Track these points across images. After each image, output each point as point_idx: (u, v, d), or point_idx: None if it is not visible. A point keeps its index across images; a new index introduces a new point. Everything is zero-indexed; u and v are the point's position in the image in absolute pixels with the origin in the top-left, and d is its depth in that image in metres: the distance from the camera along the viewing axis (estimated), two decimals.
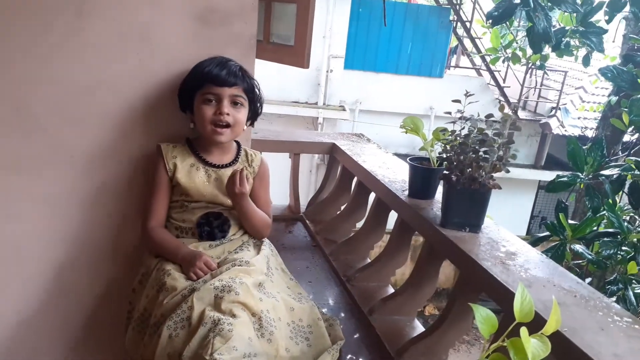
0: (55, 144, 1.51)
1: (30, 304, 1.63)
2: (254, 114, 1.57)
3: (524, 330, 0.95)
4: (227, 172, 1.52)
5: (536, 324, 1.03)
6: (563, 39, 3.30)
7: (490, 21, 2.80)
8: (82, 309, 1.70)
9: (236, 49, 1.60)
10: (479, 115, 1.67)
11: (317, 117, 8.06)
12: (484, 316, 1.03)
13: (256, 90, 1.54)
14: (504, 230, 1.70)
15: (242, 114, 1.50)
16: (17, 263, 1.58)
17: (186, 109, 1.52)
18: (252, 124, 1.61)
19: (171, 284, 1.36)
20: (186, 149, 1.54)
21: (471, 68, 9.48)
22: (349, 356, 1.66)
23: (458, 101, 1.68)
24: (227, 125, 1.47)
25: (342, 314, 1.91)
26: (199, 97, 1.46)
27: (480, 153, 1.60)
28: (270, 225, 1.61)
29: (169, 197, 1.54)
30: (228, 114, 1.45)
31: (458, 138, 1.66)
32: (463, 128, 1.67)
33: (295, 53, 2.36)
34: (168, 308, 1.32)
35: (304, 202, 2.88)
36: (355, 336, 1.78)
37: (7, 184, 1.50)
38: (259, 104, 1.57)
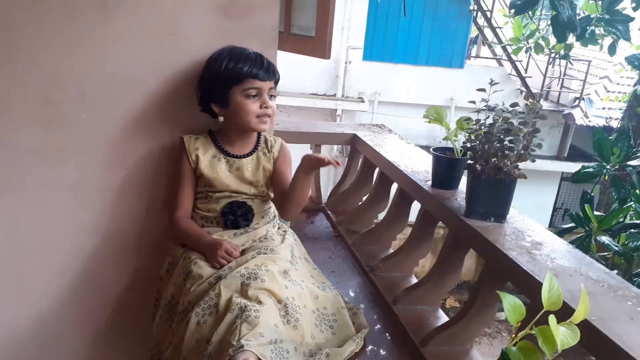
0: (78, 134, 1.54)
1: (57, 291, 1.67)
2: None
3: (552, 318, 0.95)
4: (247, 161, 1.55)
5: (564, 312, 1.03)
6: (588, 27, 3.23)
7: (513, 10, 2.76)
8: (108, 297, 1.74)
9: (258, 41, 1.60)
10: (503, 105, 1.66)
11: (336, 109, 8.05)
12: (511, 304, 1.03)
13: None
14: (529, 220, 1.69)
15: (274, 103, 1.54)
16: (44, 251, 1.62)
17: (212, 102, 1.51)
18: None
19: (197, 272, 1.39)
20: (208, 140, 1.56)
21: (492, 58, 9.33)
22: (374, 346, 1.67)
23: (483, 90, 1.67)
24: (269, 115, 1.51)
25: (365, 304, 1.92)
26: (240, 92, 1.46)
27: (506, 142, 1.58)
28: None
29: (194, 188, 1.56)
30: (270, 107, 1.50)
31: (483, 127, 1.64)
32: (487, 117, 1.65)
33: (316, 44, 2.36)
34: (195, 295, 1.34)
35: (324, 192, 2.89)
36: (378, 326, 1.79)
37: (32, 173, 1.54)
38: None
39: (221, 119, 1.55)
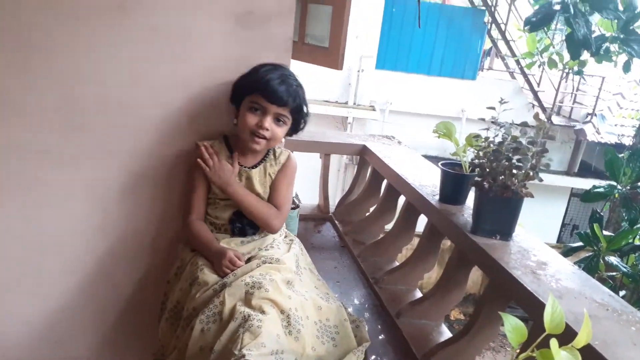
0: (95, 136, 1.57)
1: (71, 290, 1.70)
2: (294, 130, 1.59)
3: (554, 342, 0.95)
4: (255, 172, 1.57)
5: (566, 336, 1.02)
6: (603, 45, 3.22)
7: (528, 27, 2.76)
8: (120, 296, 1.76)
9: (272, 51, 1.62)
10: (512, 122, 1.66)
11: (347, 117, 8.07)
12: (513, 325, 1.03)
13: (303, 111, 1.55)
14: (535, 239, 1.69)
15: (282, 130, 1.52)
16: (59, 251, 1.65)
17: (234, 103, 1.55)
18: (288, 136, 1.62)
19: (203, 278, 1.40)
20: (223, 146, 1.58)
21: (505, 71, 9.31)
22: (374, 357, 1.67)
23: (492, 108, 1.67)
24: (264, 138, 1.50)
25: (369, 315, 1.92)
26: (247, 101, 1.49)
27: (514, 161, 1.59)
28: (278, 216, 1.58)
29: (207, 193, 1.58)
30: (268, 130, 1.48)
31: (491, 145, 1.65)
32: (497, 135, 1.66)
33: (330, 54, 2.38)
34: (200, 302, 1.36)
35: (332, 202, 2.90)
36: (380, 337, 1.79)
37: (48, 174, 1.57)
38: (302, 124, 1.58)
39: (235, 121, 1.57)
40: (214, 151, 1.54)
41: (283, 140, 1.64)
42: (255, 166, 1.58)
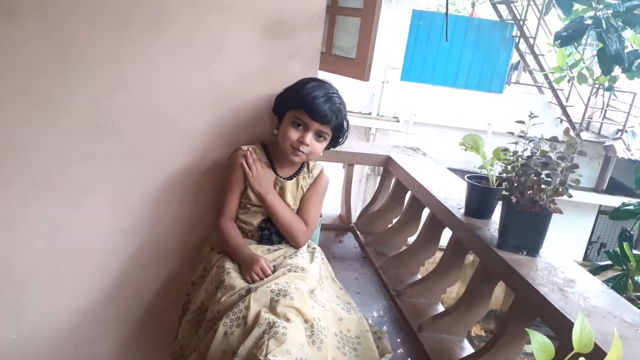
0: (125, 142, 1.61)
1: (94, 293, 1.73)
2: (333, 145, 1.62)
3: None
4: (290, 184, 1.59)
5: (595, 356, 1.00)
6: (635, 61, 3.16)
7: (559, 41, 2.73)
8: (142, 299, 1.79)
9: (300, 61, 1.64)
10: (542, 136, 1.64)
11: (370, 128, 8.07)
12: (540, 343, 1.01)
13: (344, 127, 1.57)
14: (563, 256, 1.65)
15: (322, 145, 1.55)
16: (83, 253, 1.69)
17: (277, 113, 1.58)
18: (328, 149, 1.64)
19: (229, 282, 1.41)
20: (262, 153, 1.61)
21: (533, 85, 9.19)
22: None
23: (522, 122, 1.66)
24: (304, 152, 1.52)
25: (389, 328, 1.91)
26: (291, 115, 1.52)
27: (542, 176, 1.56)
28: (305, 233, 1.61)
29: (241, 196, 1.60)
30: (308, 145, 1.51)
31: (520, 159, 1.63)
32: (525, 149, 1.64)
33: (356, 66, 2.39)
34: (225, 305, 1.37)
35: (354, 212, 2.90)
36: (401, 351, 1.78)
37: (77, 177, 1.61)
38: (342, 138, 1.61)
39: (275, 132, 1.59)
40: (256, 158, 1.57)
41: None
42: (290, 178, 1.60)
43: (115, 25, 1.50)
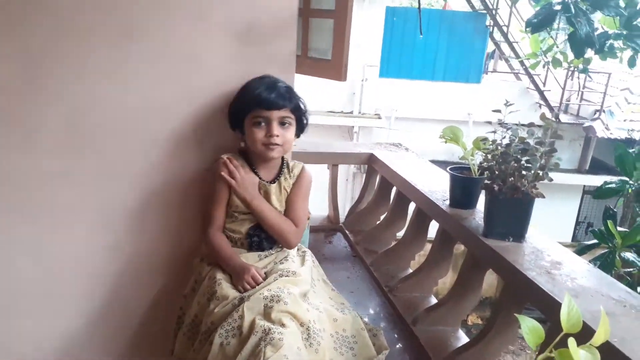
0: (104, 158, 1.59)
1: (85, 311, 1.71)
2: (300, 129, 1.62)
3: (572, 341, 0.95)
4: (273, 187, 1.58)
5: (584, 334, 1.02)
6: (606, 42, 3.22)
7: (530, 28, 2.76)
8: (132, 317, 1.77)
9: (276, 66, 1.65)
10: (519, 123, 1.67)
11: (353, 126, 8.10)
12: (530, 327, 1.03)
13: (302, 108, 1.58)
14: (549, 239, 1.68)
15: (290, 132, 1.55)
16: (71, 273, 1.67)
17: (236, 127, 1.58)
18: (297, 136, 1.64)
19: (222, 293, 1.41)
20: (243, 161, 1.60)
21: (510, 73, 9.31)
22: None
23: (498, 111, 1.68)
24: (277, 144, 1.52)
25: (385, 324, 1.92)
26: (249, 119, 1.52)
27: (522, 162, 1.59)
28: (296, 234, 1.61)
29: (227, 207, 1.60)
30: (278, 136, 1.51)
31: (499, 147, 1.65)
32: (504, 137, 1.66)
33: (333, 67, 2.40)
34: (218, 316, 1.37)
35: (340, 212, 2.91)
36: (398, 346, 1.79)
37: (59, 195, 1.59)
38: (305, 120, 1.61)
39: (242, 144, 1.59)
40: (238, 164, 1.56)
41: (294, 144, 1.65)
42: (273, 181, 1.60)
43: (85, 42, 1.49)
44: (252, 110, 1.50)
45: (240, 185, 1.54)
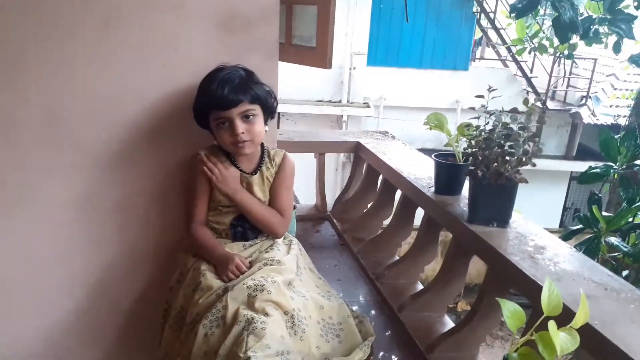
0: (86, 151, 1.57)
1: (71, 304, 1.70)
2: (269, 115, 1.55)
3: (552, 324, 0.96)
4: (254, 178, 1.57)
5: (565, 317, 1.03)
6: (591, 27, 3.23)
7: (514, 14, 2.76)
8: (120, 308, 1.77)
9: (259, 54, 1.63)
10: (503, 109, 1.67)
11: (342, 115, 8.08)
12: (511, 310, 1.04)
13: (263, 95, 1.49)
14: (533, 224, 1.69)
15: (257, 123, 1.49)
16: (56, 267, 1.65)
17: (205, 128, 1.53)
18: (270, 119, 1.58)
19: (206, 283, 1.41)
20: (220, 153, 1.56)
21: (497, 59, 9.32)
22: (381, 353, 1.68)
23: (481, 96, 1.68)
24: (246, 140, 1.47)
25: (373, 312, 1.93)
26: (212, 120, 1.47)
27: (506, 148, 1.59)
28: (282, 224, 1.59)
29: (209, 200, 1.58)
30: (244, 132, 1.45)
31: (482, 133, 1.65)
32: (487, 123, 1.66)
33: (317, 54, 2.38)
34: (203, 307, 1.37)
35: (330, 200, 2.91)
36: (387, 333, 1.80)
37: (41, 190, 1.57)
38: (272, 103, 1.54)
39: (215, 142, 1.56)
40: (217, 160, 1.53)
41: (276, 140, 1.63)
42: (254, 172, 1.58)
43: (64, 33, 1.46)
44: (211, 112, 1.46)
45: (221, 181, 1.51)
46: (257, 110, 1.48)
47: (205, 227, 1.58)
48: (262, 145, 1.61)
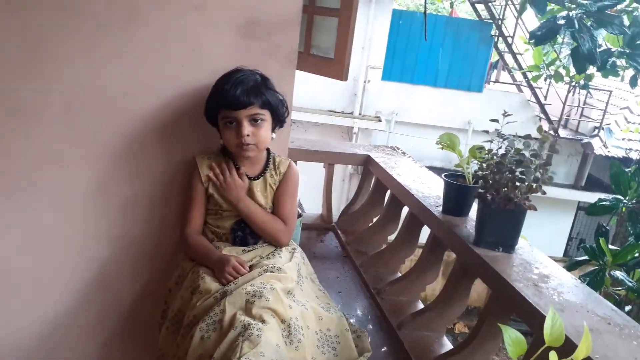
0: (97, 143, 1.58)
1: (72, 296, 1.70)
2: (278, 123, 1.56)
3: (553, 355, 0.95)
4: (256, 183, 1.56)
5: (566, 349, 1.02)
6: (609, 59, 3.23)
7: (533, 40, 2.77)
8: (121, 303, 1.76)
9: (277, 61, 1.64)
10: (516, 134, 1.67)
11: (353, 127, 8.10)
12: (512, 338, 1.02)
13: (274, 101, 1.49)
14: (538, 252, 1.68)
15: (265, 128, 1.49)
16: (60, 257, 1.66)
17: (214, 126, 1.54)
18: (279, 127, 1.58)
19: (204, 286, 1.40)
20: (224, 159, 1.57)
21: (511, 84, 9.32)
22: None
23: (496, 120, 1.68)
24: (251, 143, 1.47)
25: (371, 327, 1.92)
26: (220, 119, 1.49)
27: (517, 173, 1.59)
28: (285, 232, 1.58)
29: (205, 206, 1.58)
30: (249, 135, 1.46)
31: (495, 157, 1.65)
32: (500, 147, 1.66)
33: (335, 66, 2.39)
34: (201, 310, 1.36)
35: (335, 211, 2.91)
36: (383, 349, 1.79)
37: (50, 179, 1.58)
38: (283, 112, 1.54)
39: (221, 141, 1.56)
40: (225, 167, 1.53)
41: (287, 148, 1.63)
42: (257, 177, 1.58)
43: (87, 26, 1.48)
44: (220, 111, 1.47)
45: (226, 188, 1.52)
46: (266, 115, 1.49)
47: (198, 234, 1.57)
48: (268, 151, 1.61)
